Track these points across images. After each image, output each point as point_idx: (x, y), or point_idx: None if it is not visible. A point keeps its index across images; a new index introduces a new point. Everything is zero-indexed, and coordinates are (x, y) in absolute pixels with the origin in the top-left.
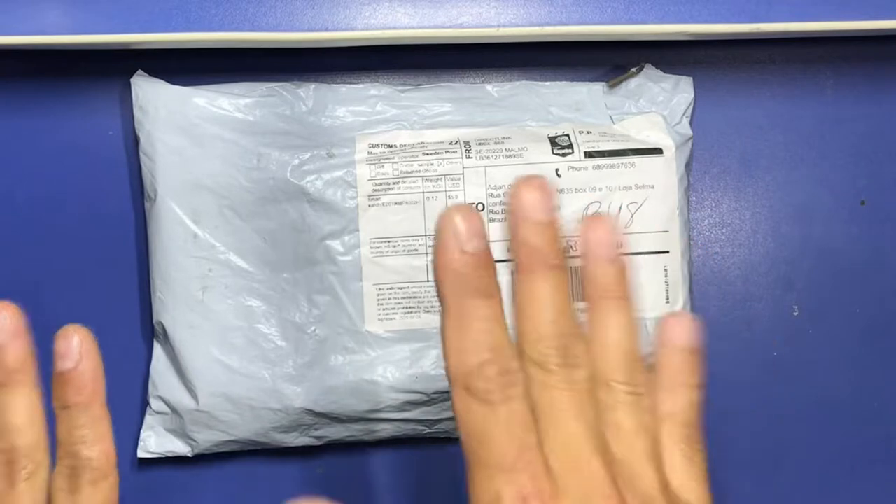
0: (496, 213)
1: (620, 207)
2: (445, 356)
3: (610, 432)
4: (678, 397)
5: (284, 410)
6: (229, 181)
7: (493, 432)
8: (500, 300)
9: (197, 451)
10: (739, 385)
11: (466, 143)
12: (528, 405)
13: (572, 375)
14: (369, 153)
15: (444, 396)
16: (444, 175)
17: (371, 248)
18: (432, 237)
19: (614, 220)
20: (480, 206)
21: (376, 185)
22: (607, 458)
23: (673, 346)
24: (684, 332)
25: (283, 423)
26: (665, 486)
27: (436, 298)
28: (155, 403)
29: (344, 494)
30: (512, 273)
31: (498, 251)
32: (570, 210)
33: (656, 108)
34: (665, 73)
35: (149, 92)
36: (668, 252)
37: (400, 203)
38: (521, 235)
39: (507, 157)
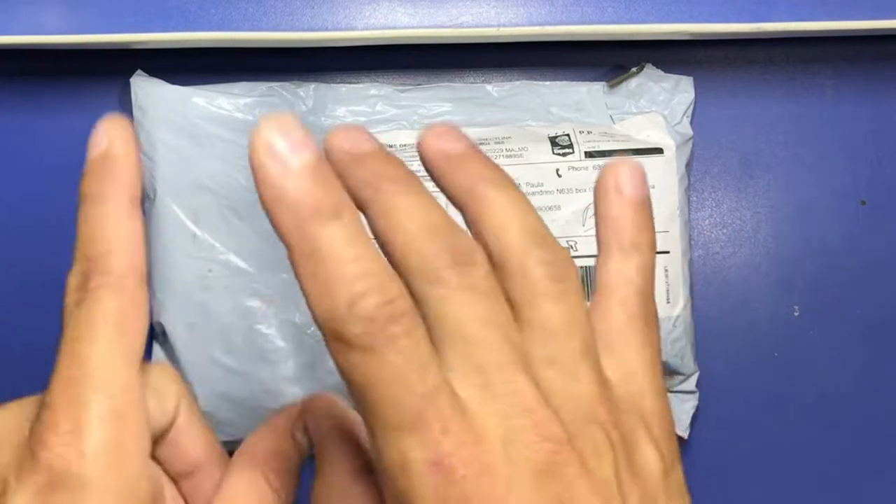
0: None
1: None
2: (311, 307)
3: (534, 335)
4: (630, 261)
5: None
6: (229, 181)
7: (385, 385)
8: (355, 216)
9: None
10: (739, 385)
11: None
12: (422, 335)
13: (470, 274)
14: None
15: None
16: None
17: None
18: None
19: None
20: None
21: None
22: (532, 370)
23: (621, 196)
24: (634, 181)
25: None
26: (604, 383)
27: None
28: None
29: None
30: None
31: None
32: (570, 210)
33: (656, 107)
34: (665, 73)
35: (148, 92)
36: (668, 252)
37: None
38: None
39: (508, 157)
